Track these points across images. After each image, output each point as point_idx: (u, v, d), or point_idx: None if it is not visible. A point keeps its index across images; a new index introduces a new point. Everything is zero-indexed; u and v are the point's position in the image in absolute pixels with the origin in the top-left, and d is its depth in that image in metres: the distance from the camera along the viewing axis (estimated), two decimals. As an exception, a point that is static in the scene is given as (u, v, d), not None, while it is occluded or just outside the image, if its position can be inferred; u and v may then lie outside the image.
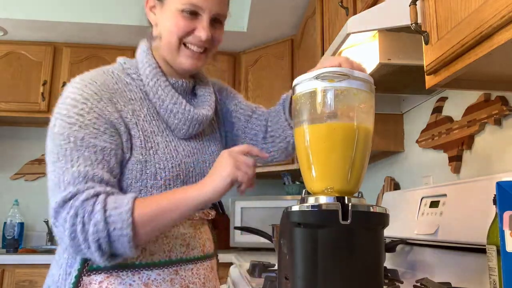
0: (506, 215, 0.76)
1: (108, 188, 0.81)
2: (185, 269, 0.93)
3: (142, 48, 1.00)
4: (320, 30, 2.02)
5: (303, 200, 0.73)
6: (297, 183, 2.85)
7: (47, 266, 2.49)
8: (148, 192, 0.89)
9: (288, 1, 2.38)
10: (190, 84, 1.02)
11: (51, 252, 2.75)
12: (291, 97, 0.89)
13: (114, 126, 0.86)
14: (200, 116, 0.96)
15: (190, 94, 1.03)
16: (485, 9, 0.70)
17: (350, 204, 0.68)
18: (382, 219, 0.71)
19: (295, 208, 0.71)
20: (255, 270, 1.46)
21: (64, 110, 0.84)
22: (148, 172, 0.89)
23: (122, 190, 0.88)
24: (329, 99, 0.72)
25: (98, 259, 0.78)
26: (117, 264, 0.84)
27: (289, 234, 0.71)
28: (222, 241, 2.85)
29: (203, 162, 0.99)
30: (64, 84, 2.81)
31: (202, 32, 0.92)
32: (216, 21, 0.96)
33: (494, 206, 0.84)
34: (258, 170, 2.80)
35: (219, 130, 1.11)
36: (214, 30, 0.95)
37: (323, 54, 1.96)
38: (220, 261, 2.56)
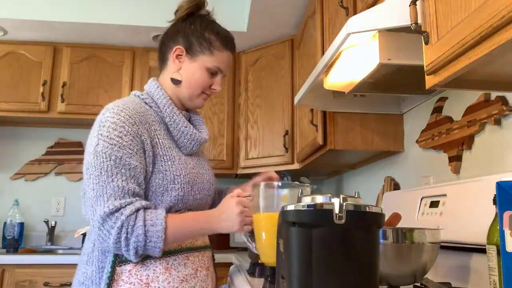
0: (506, 215, 0.76)
1: (144, 203, 1.05)
2: (193, 255, 1.17)
3: (153, 84, 1.24)
4: (320, 30, 2.02)
5: (299, 200, 0.74)
6: (297, 183, 2.85)
7: (47, 266, 2.50)
8: (169, 194, 1.12)
9: (288, 1, 2.38)
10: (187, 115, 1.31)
11: (51, 252, 2.75)
12: None
13: (143, 145, 1.09)
14: (201, 139, 1.24)
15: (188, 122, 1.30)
16: (485, 9, 0.70)
17: (345, 203, 0.68)
18: (377, 219, 0.71)
19: (291, 207, 0.71)
20: (255, 270, 1.46)
21: (106, 132, 1.06)
22: (168, 178, 1.12)
23: (149, 193, 1.12)
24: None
25: (132, 258, 1.04)
26: None
27: (285, 233, 0.71)
28: (222, 241, 2.85)
29: (202, 174, 1.25)
30: (64, 84, 2.82)
31: (217, 86, 1.26)
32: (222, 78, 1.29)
33: (494, 206, 0.84)
34: (259, 170, 2.80)
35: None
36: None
37: (323, 54, 1.96)
38: (220, 261, 2.58)
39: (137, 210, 1.02)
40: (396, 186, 1.95)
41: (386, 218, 1.26)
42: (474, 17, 0.73)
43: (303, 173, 2.89)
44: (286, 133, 2.65)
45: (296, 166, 2.61)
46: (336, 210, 0.68)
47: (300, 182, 2.86)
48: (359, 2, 1.57)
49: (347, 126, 1.91)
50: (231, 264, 2.31)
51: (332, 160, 2.27)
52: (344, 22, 1.26)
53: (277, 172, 2.77)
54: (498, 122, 1.25)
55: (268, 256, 1.04)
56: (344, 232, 0.68)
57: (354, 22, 1.11)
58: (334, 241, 0.68)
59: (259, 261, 1.06)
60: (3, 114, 2.80)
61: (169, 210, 1.13)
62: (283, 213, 0.72)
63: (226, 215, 1.10)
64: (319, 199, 0.71)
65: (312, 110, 2.03)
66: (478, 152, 1.36)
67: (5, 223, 2.82)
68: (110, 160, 1.04)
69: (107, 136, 1.06)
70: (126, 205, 1.02)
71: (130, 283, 1.07)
